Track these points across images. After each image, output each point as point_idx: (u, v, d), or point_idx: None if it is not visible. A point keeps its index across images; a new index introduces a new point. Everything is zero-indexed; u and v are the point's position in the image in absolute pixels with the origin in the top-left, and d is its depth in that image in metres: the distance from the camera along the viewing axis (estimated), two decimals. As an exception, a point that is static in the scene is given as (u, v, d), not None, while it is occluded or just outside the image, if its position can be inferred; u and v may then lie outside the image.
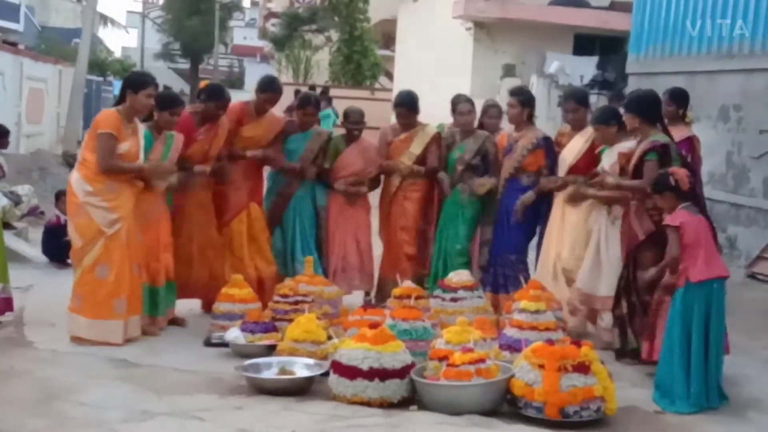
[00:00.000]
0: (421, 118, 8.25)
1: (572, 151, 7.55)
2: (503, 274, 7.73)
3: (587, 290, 7.04)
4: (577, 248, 7.33)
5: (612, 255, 6.99)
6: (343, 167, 8.13)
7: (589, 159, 7.41)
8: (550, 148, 7.74)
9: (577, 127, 7.68)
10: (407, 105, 8.16)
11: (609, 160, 7.07)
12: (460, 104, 8.06)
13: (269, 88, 7.90)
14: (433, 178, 8.09)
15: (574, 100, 7.79)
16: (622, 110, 7.19)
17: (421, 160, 8.06)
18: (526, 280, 7.14)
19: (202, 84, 8.04)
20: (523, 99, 7.88)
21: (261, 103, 7.88)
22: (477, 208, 7.96)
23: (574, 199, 7.38)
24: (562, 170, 7.57)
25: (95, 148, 6.54)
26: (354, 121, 8.22)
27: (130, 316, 6.65)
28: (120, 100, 6.80)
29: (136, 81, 6.84)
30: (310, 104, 8.14)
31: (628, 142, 6.99)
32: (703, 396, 5.78)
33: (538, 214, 7.81)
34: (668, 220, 6.02)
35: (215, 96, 7.56)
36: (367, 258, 8.30)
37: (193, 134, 7.40)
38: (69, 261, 10.23)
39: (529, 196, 7.65)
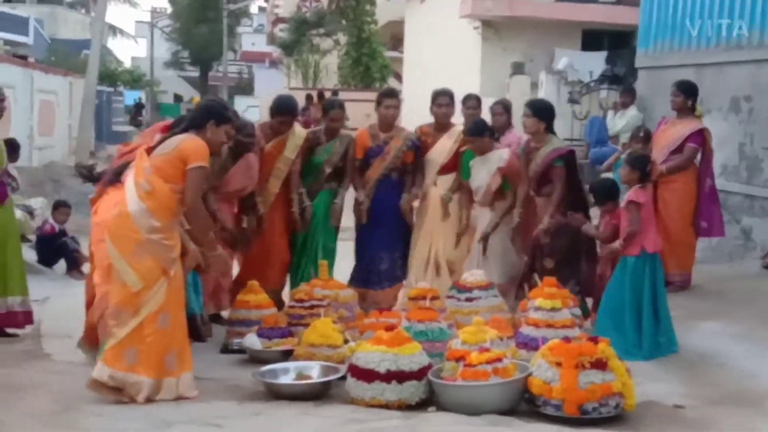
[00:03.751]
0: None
1: (442, 152, 8.06)
2: (379, 270, 7.87)
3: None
4: (454, 238, 7.99)
5: (500, 246, 7.71)
6: (227, 183, 7.40)
7: (456, 158, 8.00)
8: (418, 147, 8.06)
9: (444, 128, 8.08)
10: (293, 112, 7.99)
11: (483, 171, 7.70)
12: (333, 110, 8.03)
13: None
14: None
15: (449, 97, 8.13)
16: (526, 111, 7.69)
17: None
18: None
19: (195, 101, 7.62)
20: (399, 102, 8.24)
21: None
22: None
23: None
24: (432, 170, 8.07)
25: (171, 178, 5.56)
26: (248, 134, 7.39)
27: (182, 373, 5.66)
28: (191, 126, 5.82)
29: (222, 114, 5.95)
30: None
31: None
32: (656, 346, 6.77)
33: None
34: (631, 196, 6.82)
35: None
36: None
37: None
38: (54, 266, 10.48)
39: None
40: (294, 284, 7.88)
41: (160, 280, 5.51)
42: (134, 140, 6.93)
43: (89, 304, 6.39)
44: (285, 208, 7.91)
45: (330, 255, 8.02)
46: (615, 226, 7.08)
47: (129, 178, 5.68)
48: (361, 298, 7.64)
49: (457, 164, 8.02)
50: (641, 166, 6.96)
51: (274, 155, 7.80)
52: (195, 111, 6.07)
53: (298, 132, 7.95)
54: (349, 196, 8.15)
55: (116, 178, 6.15)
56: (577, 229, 7.32)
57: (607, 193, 7.31)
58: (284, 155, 7.81)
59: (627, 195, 6.95)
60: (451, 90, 8.24)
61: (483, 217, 7.85)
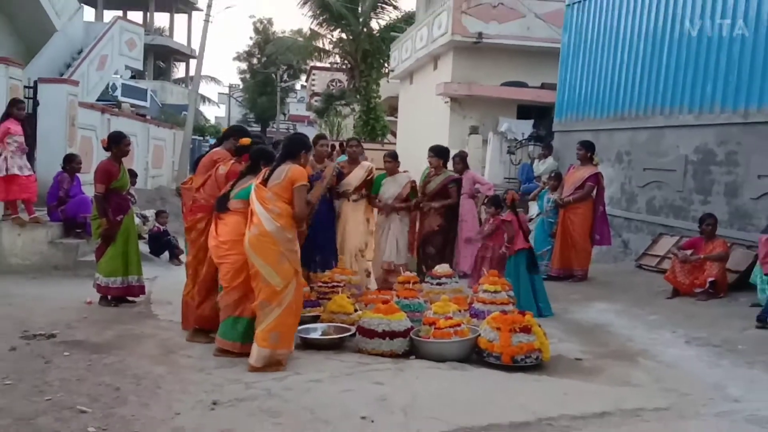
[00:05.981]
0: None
1: (357, 178, 7.79)
2: (316, 259, 7.47)
3: (393, 261, 7.71)
4: (363, 234, 7.83)
5: (402, 240, 7.86)
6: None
7: (366, 183, 7.83)
8: (341, 173, 7.82)
9: (354, 162, 7.92)
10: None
11: (394, 186, 7.88)
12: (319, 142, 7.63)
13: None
14: None
15: (357, 141, 8.16)
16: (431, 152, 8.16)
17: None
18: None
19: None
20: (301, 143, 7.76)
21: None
22: None
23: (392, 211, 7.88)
24: (347, 190, 7.81)
25: (288, 199, 5.18)
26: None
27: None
28: (288, 156, 5.35)
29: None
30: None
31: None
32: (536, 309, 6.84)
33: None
34: (506, 217, 7.33)
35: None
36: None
37: None
38: (164, 257, 10.39)
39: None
40: None
41: (293, 280, 5.14)
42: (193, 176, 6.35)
43: (199, 304, 5.82)
44: None
45: None
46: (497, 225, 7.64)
47: (256, 205, 5.15)
48: (306, 277, 7.06)
49: (368, 186, 7.83)
50: (501, 203, 7.66)
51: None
52: (289, 144, 5.47)
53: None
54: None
55: (226, 207, 5.53)
56: (447, 229, 7.96)
57: (499, 204, 7.82)
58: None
59: (503, 215, 7.48)
60: (358, 137, 8.25)
61: (391, 221, 7.85)
